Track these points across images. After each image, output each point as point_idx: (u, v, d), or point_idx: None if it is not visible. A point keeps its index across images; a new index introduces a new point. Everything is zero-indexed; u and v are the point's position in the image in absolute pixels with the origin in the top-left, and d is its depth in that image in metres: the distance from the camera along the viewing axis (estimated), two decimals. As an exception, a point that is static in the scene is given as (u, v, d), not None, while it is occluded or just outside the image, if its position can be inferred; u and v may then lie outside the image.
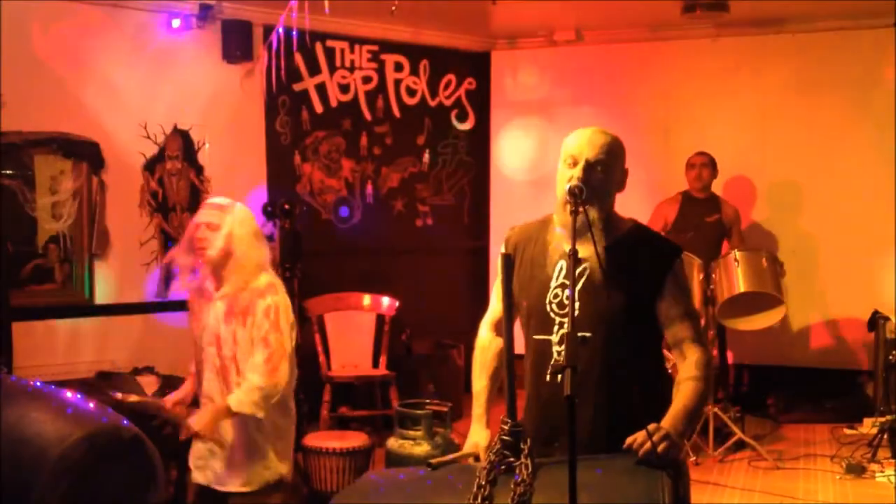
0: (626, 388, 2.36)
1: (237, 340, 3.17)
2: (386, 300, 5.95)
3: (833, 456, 5.38)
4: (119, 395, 3.33)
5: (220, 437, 3.17)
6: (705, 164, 5.97)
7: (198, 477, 3.31)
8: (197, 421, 3.11)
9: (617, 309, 2.36)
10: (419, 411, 4.37)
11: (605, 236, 2.39)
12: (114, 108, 5.44)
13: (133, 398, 3.35)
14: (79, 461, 1.43)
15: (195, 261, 3.22)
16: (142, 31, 5.54)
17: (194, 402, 3.35)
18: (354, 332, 5.91)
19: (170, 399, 3.36)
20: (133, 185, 5.61)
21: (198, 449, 3.28)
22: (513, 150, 7.09)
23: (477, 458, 2.37)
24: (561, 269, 2.42)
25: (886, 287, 6.17)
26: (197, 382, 3.32)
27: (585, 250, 2.29)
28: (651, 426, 2.12)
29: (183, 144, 5.79)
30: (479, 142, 7.22)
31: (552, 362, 2.37)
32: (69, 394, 1.62)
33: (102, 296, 5.41)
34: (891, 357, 5.72)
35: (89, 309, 5.38)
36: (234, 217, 3.22)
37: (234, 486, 3.25)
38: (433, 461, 2.19)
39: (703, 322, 5.21)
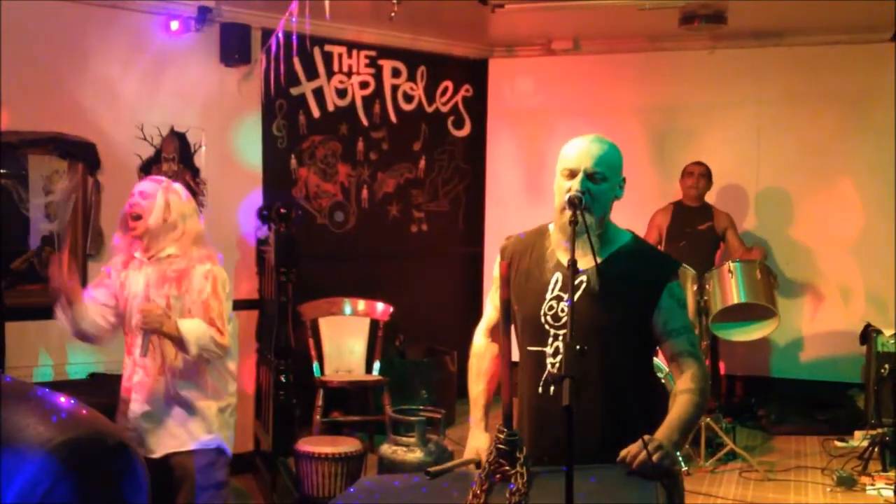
0: (620, 399, 2.38)
1: (170, 305, 3.15)
2: (380, 305, 5.94)
3: (824, 468, 5.39)
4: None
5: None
6: (703, 174, 6.00)
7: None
8: (146, 309, 3.07)
9: (613, 321, 2.36)
10: (413, 417, 4.37)
11: (602, 248, 2.40)
12: (111, 109, 5.43)
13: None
14: (57, 467, 1.42)
15: (129, 232, 3.22)
16: (140, 32, 5.52)
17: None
18: (348, 336, 5.89)
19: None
20: (129, 186, 5.52)
21: (131, 413, 3.18)
22: (509, 157, 7.10)
23: (478, 465, 2.29)
24: (557, 280, 2.42)
25: (879, 300, 6.20)
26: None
27: (583, 262, 2.29)
28: (646, 437, 2.12)
29: (179, 146, 5.77)
30: (476, 149, 7.22)
31: (545, 374, 2.38)
32: (62, 399, 1.60)
33: (96, 297, 5.39)
34: (882, 370, 5.73)
35: (83, 310, 5.36)
36: (169, 189, 3.27)
37: (169, 447, 3.17)
38: (431, 469, 2.16)
39: (696, 332, 5.22)
